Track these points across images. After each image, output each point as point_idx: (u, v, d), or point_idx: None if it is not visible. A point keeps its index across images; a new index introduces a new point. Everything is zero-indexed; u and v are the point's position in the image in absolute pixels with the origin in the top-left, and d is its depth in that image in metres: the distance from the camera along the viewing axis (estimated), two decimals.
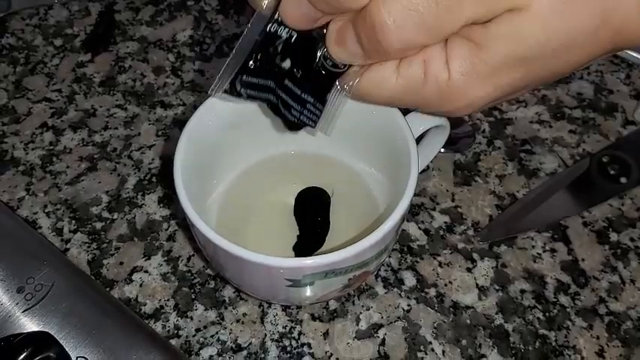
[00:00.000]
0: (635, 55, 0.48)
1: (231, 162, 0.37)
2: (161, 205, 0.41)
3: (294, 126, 0.28)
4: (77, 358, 0.31)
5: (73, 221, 0.40)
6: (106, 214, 0.40)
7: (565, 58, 0.22)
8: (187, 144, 0.32)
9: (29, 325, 0.31)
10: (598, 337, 0.35)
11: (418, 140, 0.33)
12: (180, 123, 0.45)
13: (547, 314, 0.36)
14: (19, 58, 0.49)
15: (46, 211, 0.41)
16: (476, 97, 0.23)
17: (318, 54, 0.25)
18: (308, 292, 0.31)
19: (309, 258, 0.27)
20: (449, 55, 0.23)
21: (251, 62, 0.27)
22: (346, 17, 0.23)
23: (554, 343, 0.35)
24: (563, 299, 0.36)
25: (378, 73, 0.24)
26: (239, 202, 0.37)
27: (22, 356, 0.30)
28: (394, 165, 0.33)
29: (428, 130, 0.34)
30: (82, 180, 0.42)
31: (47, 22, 0.52)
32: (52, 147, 0.44)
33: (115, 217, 0.40)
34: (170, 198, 0.41)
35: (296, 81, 0.26)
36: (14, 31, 0.51)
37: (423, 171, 0.42)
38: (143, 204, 0.41)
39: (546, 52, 0.22)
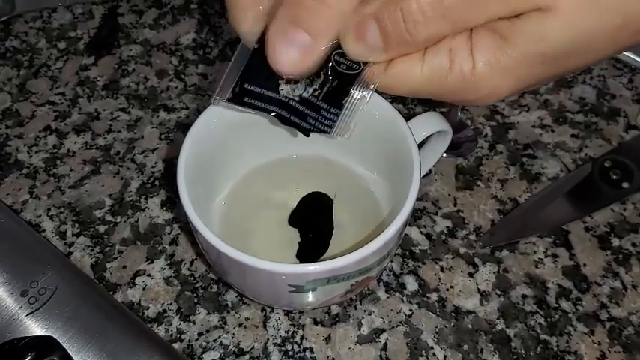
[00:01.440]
0: (637, 59, 0.48)
1: (235, 166, 0.38)
2: (164, 208, 0.41)
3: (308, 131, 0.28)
4: None
5: (77, 224, 0.40)
6: (109, 218, 0.40)
7: (584, 56, 0.24)
8: (191, 148, 0.32)
9: (33, 328, 0.32)
10: (599, 343, 0.35)
11: (420, 145, 0.33)
12: (183, 126, 0.45)
13: (548, 319, 0.36)
14: (22, 61, 0.50)
15: (50, 214, 0.41)
16: (498, 88, 0.24)
17: (330, 64, 0.25)
18: (310, 297, 0.31)
19: (311, 264, 0.27)
20: (474, 45, 0.23)
21: (254, 70, 0.26)
22: (365, 12, 0.23)
23: (555, 349, 0.35)
24: (565, 304, 0.36)
25: (403, 65, 0.25)
26: (242, 206, 0.38)
27: None
28: (397, 170, 0.33)
29: (430, 135, 0.34)
30: (86, 183, 0.42)
31: (51, 25, 0.52)
32: (55, 150, 0.44)
33: (118, 220, 0.40)
34: (173, 202, 0.41)
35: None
36: (18, 34, 0.52)
37: (425, 175, 0.42)
38: (146, 207, 0.41)
39: (567, 51, 0.23)
